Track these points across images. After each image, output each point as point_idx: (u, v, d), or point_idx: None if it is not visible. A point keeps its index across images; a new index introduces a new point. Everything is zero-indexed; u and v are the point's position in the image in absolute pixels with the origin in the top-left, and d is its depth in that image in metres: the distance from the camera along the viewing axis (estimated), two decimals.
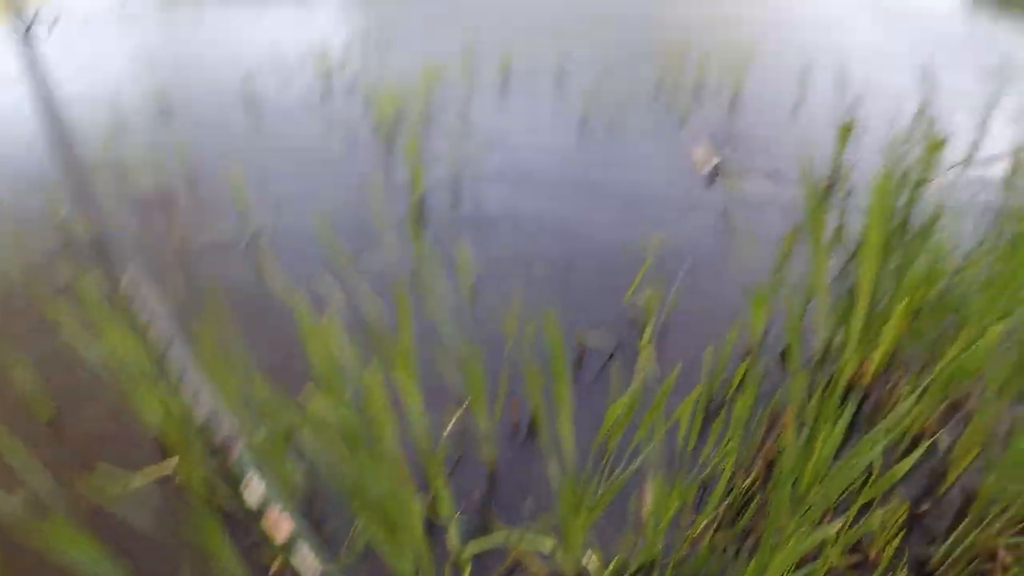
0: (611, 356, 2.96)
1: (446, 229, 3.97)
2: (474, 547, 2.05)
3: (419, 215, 4.14)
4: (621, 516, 2.19)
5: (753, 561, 1.60)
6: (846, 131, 4.59)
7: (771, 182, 4.39)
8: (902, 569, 2.02)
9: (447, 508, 1.96)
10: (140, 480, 2.28)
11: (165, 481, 2.29)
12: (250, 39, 8.95)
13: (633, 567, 2.03)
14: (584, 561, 2.01)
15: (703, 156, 4.04)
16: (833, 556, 1.89)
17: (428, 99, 6.03)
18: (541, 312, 3.04)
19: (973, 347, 2.47)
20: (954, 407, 2.73)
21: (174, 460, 2.32)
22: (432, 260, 3.60)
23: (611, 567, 2.01)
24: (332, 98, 6.44)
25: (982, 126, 5.40)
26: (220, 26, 9.96)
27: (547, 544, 2.04)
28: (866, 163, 4.73)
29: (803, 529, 1.50)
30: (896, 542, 2.04)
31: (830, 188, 4.46)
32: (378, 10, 9.00)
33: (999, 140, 5.11)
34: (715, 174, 4.10)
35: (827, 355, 3.04)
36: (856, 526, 1.93)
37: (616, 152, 4.95)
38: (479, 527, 2.17)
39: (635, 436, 2.11)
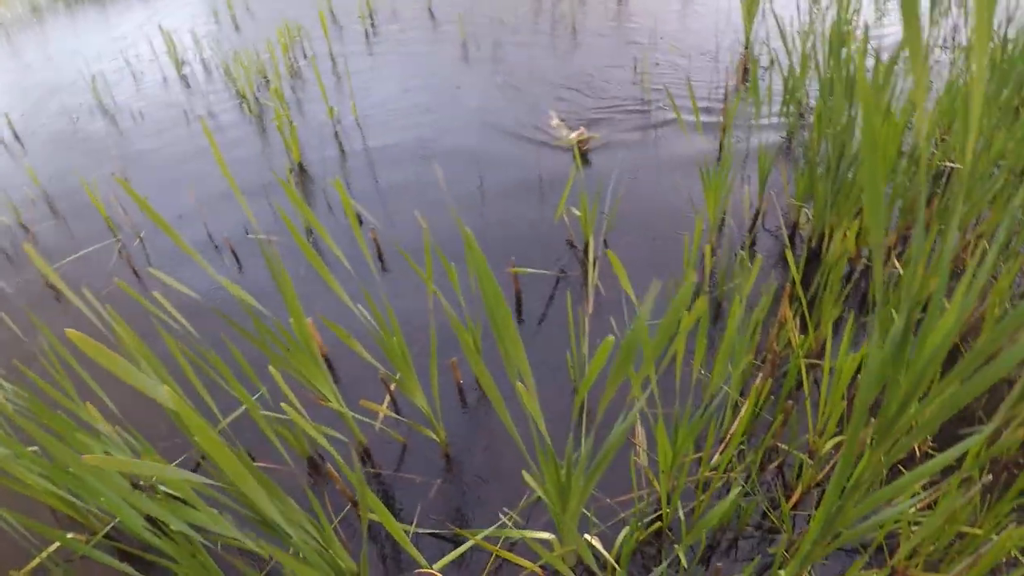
0: (556, 284, 2.49)
1: (332, 186, 3.40)
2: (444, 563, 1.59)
3: (301, 178, 3.55)
4: (618, 473, 1.75)
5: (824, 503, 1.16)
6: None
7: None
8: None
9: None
10: None
11: None
12: (97, 44, 8.06)
13: (646, 535, 1.60)
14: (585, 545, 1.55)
15: (563, 131, 3.40)
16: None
17: (290, 58, 5.37)
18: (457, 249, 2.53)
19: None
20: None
21: None
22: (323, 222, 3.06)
23: (620, 545, 1.56)
24: (191, 81, 5.71)
25: None
26: (65, 39, 8.96)
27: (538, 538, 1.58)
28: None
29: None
30: None
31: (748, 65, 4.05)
32: None
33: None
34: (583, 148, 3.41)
35: (796, 232, 2.64)
36: None
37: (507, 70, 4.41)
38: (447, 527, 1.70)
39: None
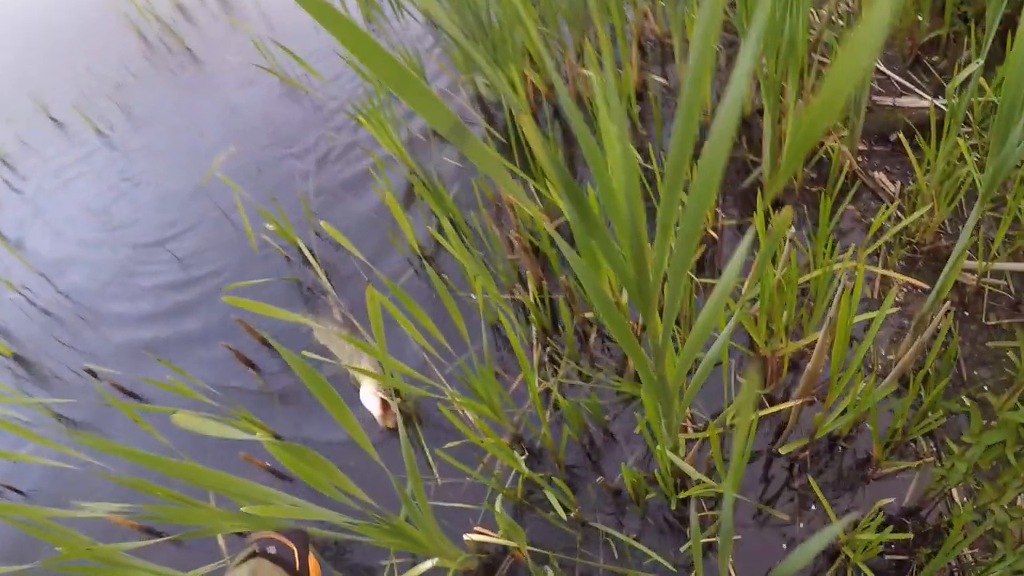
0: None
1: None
2: None
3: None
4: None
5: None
6: None
7: None
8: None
9: None
10: None
11: None
12: None
13: (517, 492, 1.50)
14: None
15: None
16: None
17: None
18: None
19: None
20: None
21: None
22: None
23: (505, 528, 1.45)
24: None
25: None
26: None
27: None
28: None
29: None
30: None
31: None
32: None
33: None
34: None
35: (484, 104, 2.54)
36: None
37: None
38: None
39: None
